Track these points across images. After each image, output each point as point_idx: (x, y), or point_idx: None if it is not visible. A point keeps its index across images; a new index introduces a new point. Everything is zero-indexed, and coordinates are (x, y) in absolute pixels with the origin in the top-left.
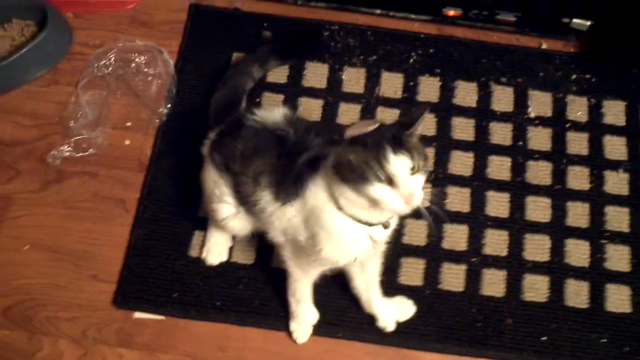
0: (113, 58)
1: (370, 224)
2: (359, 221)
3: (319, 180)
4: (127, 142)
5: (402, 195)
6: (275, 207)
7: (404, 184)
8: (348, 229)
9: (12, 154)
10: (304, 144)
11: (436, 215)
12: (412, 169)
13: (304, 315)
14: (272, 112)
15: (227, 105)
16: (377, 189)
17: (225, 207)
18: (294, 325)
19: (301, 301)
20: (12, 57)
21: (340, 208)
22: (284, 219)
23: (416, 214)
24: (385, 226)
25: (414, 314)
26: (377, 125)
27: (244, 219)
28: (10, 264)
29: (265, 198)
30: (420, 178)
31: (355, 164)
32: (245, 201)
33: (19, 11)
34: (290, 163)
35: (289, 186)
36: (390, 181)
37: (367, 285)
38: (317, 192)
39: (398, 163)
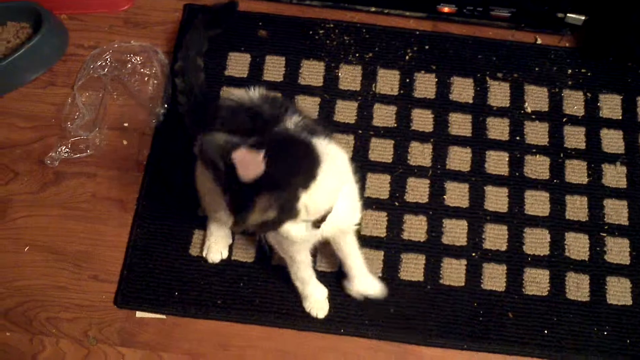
0: (109, 59)
1: None
2: None
3: None
4: (125, 142)
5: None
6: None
7: None
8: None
9: (9, 156)
10: (278, 117)
11: None
12: None
13: (313, 293)
14: (248, 91)
15: (200, 107)
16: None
17: (211, 198)
18: (307, 305)
19: (305, 282)
20: (8, 59)
21: None
22: None
23: None
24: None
25: (379, 293)
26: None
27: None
28: (11, 266)
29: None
30: None
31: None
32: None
33: (13, 13)
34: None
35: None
36: None
37: (341, 250)
38: None
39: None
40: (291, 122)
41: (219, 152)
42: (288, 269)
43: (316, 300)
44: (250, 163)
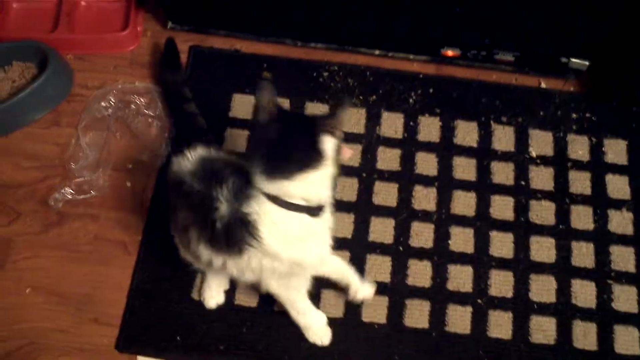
0: (112, 99)
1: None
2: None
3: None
4: (128, 184)
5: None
6: (221, 259)
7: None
8: (308, 222)
9: (13, 195)
10: (210, 196)
11: None
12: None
13: (315, 322)
14: (187, 159)
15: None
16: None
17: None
18: (310, 335)
19: (305, 312)
20: (13, 99)
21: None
22: (243, 264)
23: None
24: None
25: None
26: None
27: None
28: (12, 308)
29: (205, 252)
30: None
31: None
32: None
33: (19, 53)
34: (206, 216)
35: (229, 241)
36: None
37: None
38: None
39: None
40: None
41: None
42: (287, 309)
43: (318, 328)
44: None
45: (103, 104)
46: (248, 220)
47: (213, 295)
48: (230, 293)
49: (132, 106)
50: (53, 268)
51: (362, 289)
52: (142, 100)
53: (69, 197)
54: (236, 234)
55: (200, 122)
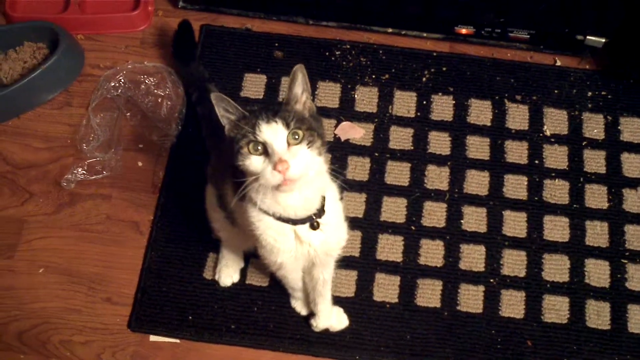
0: (122, 79)
1: (294, 221)
2: (280, 218)
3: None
4: (140, 164)
5: (272, 162)
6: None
7: (276, 151)
8: (269, 226)
9: (25, 176)
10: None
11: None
12: (295, 138)
13: (303, 297)
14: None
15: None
16: (252, 160)
17: (215, 215)
18: (293, 302)
19: (296, 289)
20: (24, 80)
21: (255, 203)
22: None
23: None
24: (314, 227)
25: (346, 327)
26: None
27: (230, 229)
28: (25, 287)
29: (229, 191)
30: (303, 149)
31: (235, 138)
32: (224, 202)
33: (30, 34)
34: None
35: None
36: (266, 153)
37: (314, 287)
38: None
39: (269, 131)
40: None
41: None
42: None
43: (303, 300)
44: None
45: (112, 84)
46: None
47: (230, 273)
48: (242, 273)
49: (142, 86)
50: (66, 248)
51: (328, 319)
52: (152, 79)
53: (81, 177)
54: None
55: None
